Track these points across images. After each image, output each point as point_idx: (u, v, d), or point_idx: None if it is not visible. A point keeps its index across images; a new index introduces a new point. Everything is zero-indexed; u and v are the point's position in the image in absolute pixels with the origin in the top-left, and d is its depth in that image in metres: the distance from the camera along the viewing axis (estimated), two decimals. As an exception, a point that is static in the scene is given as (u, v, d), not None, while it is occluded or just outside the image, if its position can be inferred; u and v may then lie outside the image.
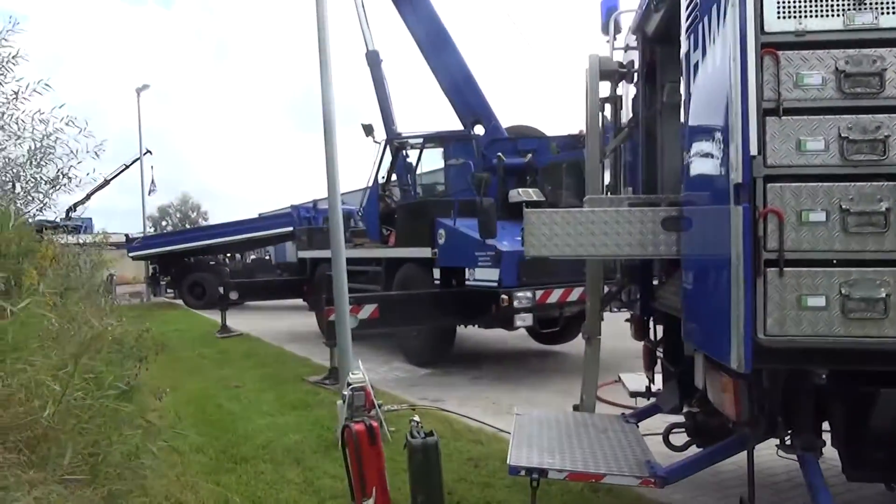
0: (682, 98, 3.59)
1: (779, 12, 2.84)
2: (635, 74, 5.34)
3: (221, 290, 17.15)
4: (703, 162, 3.21)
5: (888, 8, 2.80)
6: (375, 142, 12.81)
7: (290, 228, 20.42)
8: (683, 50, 3.56)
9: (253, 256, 31.25)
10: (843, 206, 2.78)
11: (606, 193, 5.58)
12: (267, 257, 32.45)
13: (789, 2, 2.85)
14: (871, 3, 2.80)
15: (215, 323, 16.48)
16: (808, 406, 3.06)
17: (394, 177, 13.40)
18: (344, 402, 6.05)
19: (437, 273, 10.45)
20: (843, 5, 2.82)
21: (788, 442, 3.23)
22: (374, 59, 13.80)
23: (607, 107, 5.61)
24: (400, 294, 10.53)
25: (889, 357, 2.77)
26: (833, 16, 2.83)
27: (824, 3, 2.83)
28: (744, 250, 2.71)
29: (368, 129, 12.67)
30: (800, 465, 3.19)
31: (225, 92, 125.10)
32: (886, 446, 2.88)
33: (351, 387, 6.21)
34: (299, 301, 17.48)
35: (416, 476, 4.63)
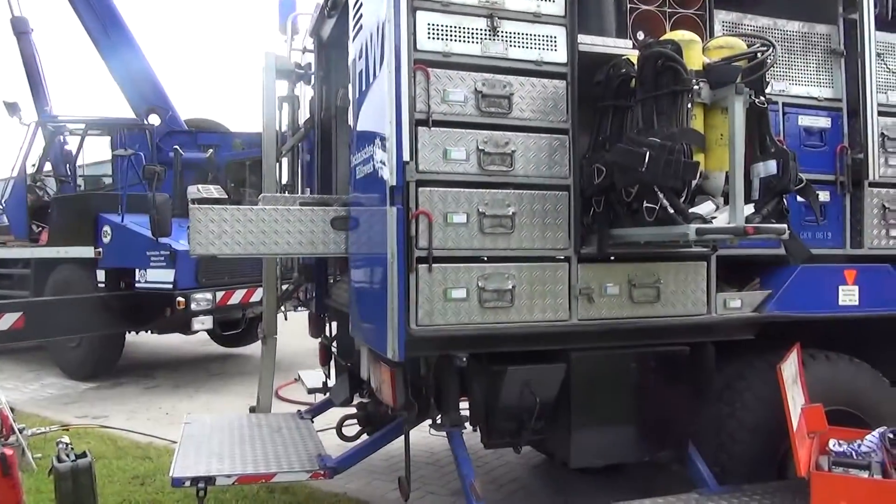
0: (350, 102, 3.76)
1: (429, 33, 3.14)
2: (312, 77, 5.44)
3: None
4: (365, 165, 3.40)
5: (516, 42, 3.28)
6: (23, 123, 11.04)
7: None
8: (351, 57, 3.73)
9: None
10: (480, 210, 3.18)
11: (284, 192, 5.59)
12: None
13: (438, 25, 3.17)
14: (502, 36, 3.25)
15: None
16: (454, 387, 3.45)
17: (48, 166, 11.73)
18: (-30, 429, 5.08)
19: (101, 275, 9.39)
20: (481, 35, 3.22)
21: (439, 421, 3.59)
22: (20, 27, 11.88)
23: (286, 106, 5.63)
24: (54, 299, 9.22)
25: (515, 339, 3.25)
26: (473, 42, 3.21)
27: (466, 30, 3.20)
28: (398, 248, 2.94)
29: (13, 109, 10.88)
30: (448, 440, 3.57)
31: None
32: (513, 416, 3.38)
33: (-20, 411, 5.25)
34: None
35: (65, 504, 4.11)
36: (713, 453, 3.69)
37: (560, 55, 3.34)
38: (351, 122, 3.78)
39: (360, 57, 3.54)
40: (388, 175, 2.98)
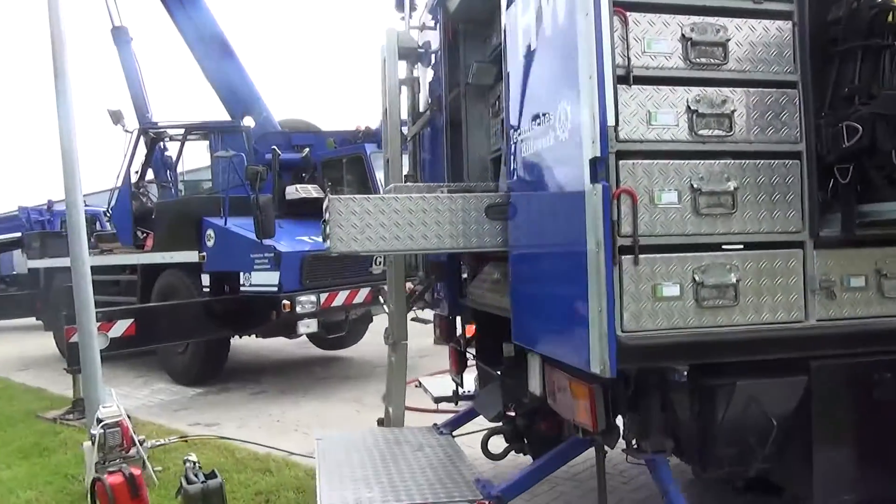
0: (508, 69, 3.19)
1: (624, -32, 2.54)
2: (433, 56, 4.93)
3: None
4: (540, 139, 2.82)
5: (729, -25, 2.63)
6: (126, 131, 11.13)
7: (19, 234, 17.25)
8: (512, 14, 3.16)
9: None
10: (695, 186, 2.56)
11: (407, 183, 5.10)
12: (-11, 269, 27.29)
13: (632, -42, 2.56)
14: (712, -32, 2.61)
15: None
16: (656, 405, 2.82)
17: (150, 173, 11.82)
18: (93, 443, 4.84)
19: (205, 279, 9.29)
20: (686, -34, 2.60)
21: (635, 445, 2.97)
22: (121, 37, 12.04)
23: (404, 90, 5.14)
24: (163, 305, 9.17)
25: (741, 346, 2.60)
26: (676, -23, 2.59)
27: (667, -37, 2.59)
28: (605, 235, 2.34)
29: (116, 116, 10.97)
30: (649, 469, 2.94)
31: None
32: (738, 441, 2.73)
33: (102, 424, 5.01)
34: (32, 320, 14.77)
35: (197, 531, 3.75)
36: None
37: (783, -11, 2.67)
38: (508, 90, 3.21)
39: (524, 12, 2.97)
40: (587, 145, 2.39)
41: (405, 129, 5.32)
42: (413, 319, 9.11)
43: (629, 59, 2.51)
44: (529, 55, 2.94)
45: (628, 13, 2.52)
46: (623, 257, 2.48)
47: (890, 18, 2.52)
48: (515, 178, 3.19)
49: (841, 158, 2.55)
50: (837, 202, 2.64)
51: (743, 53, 2.64)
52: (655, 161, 2.55)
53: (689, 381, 2.68)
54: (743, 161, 2.62)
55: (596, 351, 2.37)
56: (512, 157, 3.21)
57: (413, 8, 5.13)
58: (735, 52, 2.62)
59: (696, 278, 2.55)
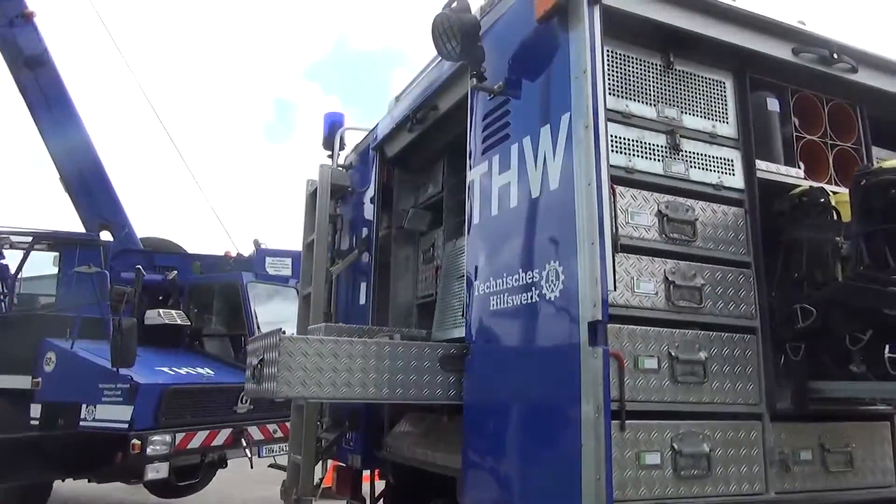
0: (474, 222, 3.22)
1: (612, 146, 2.72)
2: (362, 196, 4.93)
3: None
4: (518, 294, 2.79)
5: (696, 163, 2.90)
6: (-40, 233, 9.84)
7: None
8: (480, 171, 3.23)
9: None
10: (672, 354, 2.63)
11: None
12: None
13: (620, 137, 2.77)
14: (683, 155, 2.87)
15: None
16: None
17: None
18: None
19: (35, 410, 8.04)
20: (663, 152, 2.84)
21: None
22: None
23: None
24: (-22, 439, 7.74)
25: (716, 520, 2.59)
26: (655, 160, 2.82)
27: (648, 145, 2.82)
28: (604, 400, 2.30)
29: (-51, 216, 9.75)
30: None
31: None
32: None
33: None
34: None
35: None
36: None
37: (737, 180, 2.99)
38: (475, 244, 3.21)
39: (502, 170, 3.05)
40: (586, 308, 2.40)
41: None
42: (271, 466, 8.37)
43: (616, 228, 2.63)
44: (506, 212, 2.99)
45: (616, 186, 2.67)
46: (611, 422, 2.43)
47: (829, 217, 2.87)
48: (478, 330, 3.12)
49: (797, 337, 2.76)
50: (789, 377, 2.82)
51: (707, 233, 2.86)
52: (638, 327, 2.61)
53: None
54: (711, 332, 2.76)
55: (593, 524, 2.25)
56: (474, 308, 3.15)
57: (341, 147, 5.18)
58: (701, 231, 2.84)
59: (675, 447, 2.57)
